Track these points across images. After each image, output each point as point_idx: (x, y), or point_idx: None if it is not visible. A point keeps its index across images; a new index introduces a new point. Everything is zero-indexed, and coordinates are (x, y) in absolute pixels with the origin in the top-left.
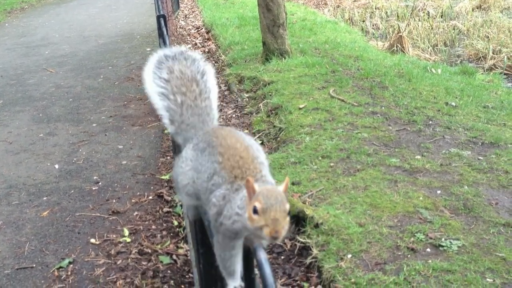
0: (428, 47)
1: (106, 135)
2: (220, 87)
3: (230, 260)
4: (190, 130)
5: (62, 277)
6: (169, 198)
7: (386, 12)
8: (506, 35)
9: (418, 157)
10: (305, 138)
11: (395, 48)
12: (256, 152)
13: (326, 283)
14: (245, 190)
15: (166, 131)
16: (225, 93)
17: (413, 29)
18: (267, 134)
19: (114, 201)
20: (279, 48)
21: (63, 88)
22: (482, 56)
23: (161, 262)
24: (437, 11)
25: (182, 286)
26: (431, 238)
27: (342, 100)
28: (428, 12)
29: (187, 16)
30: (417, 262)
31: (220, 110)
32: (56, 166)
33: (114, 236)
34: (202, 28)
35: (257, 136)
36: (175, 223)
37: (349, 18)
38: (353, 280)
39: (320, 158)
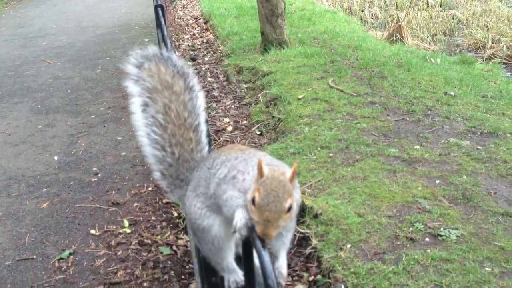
0: (427, 37)
1: (105, 126)
2: (218, 78)
3: (218, 255)
4: (184, 186)
5: (63, 268)
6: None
7: (385, 2)
8: (505, 24)
9: (417, 147)
10: (304, 129)
11: (394, 37)
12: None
13: (325, 273)
14: (255, 159)
15: None
16: (224, 83)
17: (412, 18)
18: (266, 124)
19: (113, 192)
20: (277, 38)
21: (61, 79)
22: (481, 46)
23: (161, 252)
24: (436, 0)
25: (182, 277)
26: (430, 227)
27: (341, 90)
28: (427, 1)
29: (185, 6)
30: (416, 251)
31: (219, 101)
32: (55, 158)
33: (114, 227)
34: (200, 18)
35: (256, 126)
36: (175, 214)
37: (348, 8)
38: (352, 269)
39: (319, 148)
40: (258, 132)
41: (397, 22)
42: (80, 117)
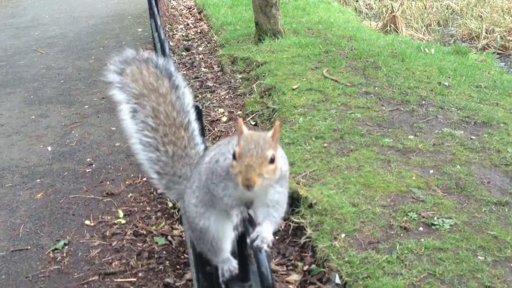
0: (422, 27)
1: (98, 116)
2: (213, 68)
3: (215, 253)
4: (183, 182)
5: (58, 259)
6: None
7: None
8: (499, 14)
9: (411, 137)
10: (299, 119)
11: (388, 28)
12: None
13: (320, 262)
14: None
15: None
16: (218, 74)
17: (407, 9)
18: (261, 115)
19: (108, 183)
20: (272, 29)
21: (54, 69)
22: (475, 36)
23: (156, 243)
24: None
25: (178, 267)
26: (423, 217)
27: (336, 81)
28: None
29: None
30: (409, 240)
31: (213, 92)
32: (49, 148)
33: (108, 217)
34: (194, 8)
35: (251, 117)
36: (170, 204)
37: None
38: (346, 259)
39: (313, 138)
40: (253, 123)
41: (391, 13)
42: (74, 108)
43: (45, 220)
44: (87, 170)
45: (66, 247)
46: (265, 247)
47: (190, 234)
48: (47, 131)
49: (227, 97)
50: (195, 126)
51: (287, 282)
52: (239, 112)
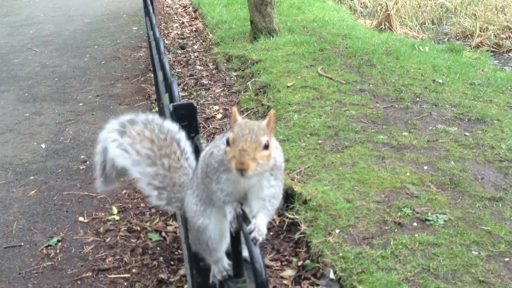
0: (416, 25)
1: (93, 114)
2: (208, 66)
3: (210, 254)
4: (183, 189)
5: (51, 255)
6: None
7: None
8: (493, 13)
9: (406, 133)
10: (293, 116)
11: (383, 26)
12: None
13: (314, 257)
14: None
15: (154, 110)
16: (213, 72)
17: (401, 7)
18: (256, 112)
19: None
20: (267, 27)
21: (48, 67)
22: (469, 34)
23: (150, 239)
24: None
25: (172, 263)
26: (417, 212)
27: (330, 78)
28: None
29: None
30: (404, 236)
31: (208, 89)
32: (43, 146)
33: (102, 214)
34: (189, 7)
35: (246, 114)
36: None
37: None
38: (341, 254)
39: (308, 135)
40: None
41: (386, 11)
42: (68, 105)
43: (39, 217)
44: (81, 167)
45: (60, 243)
46: (261, 239)
47: (183, 231)
48: (41, 129)
49: (222, 94)
50: (186, 143)
51: (281, 277)
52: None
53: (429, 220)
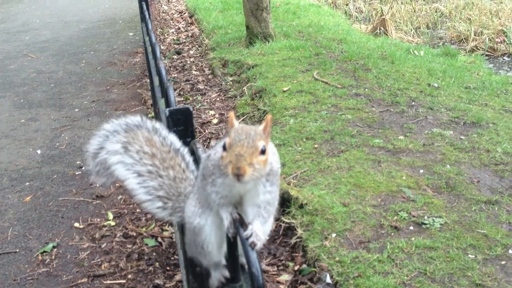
0: (411, 30)
1: (89, 120)
2: (204, 71)
3: (206, 258)
4: (187, 199)
5: (46, 261)
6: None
7: None
8: (488, 17)
9: (401, 137)
10: (289, 121)
11: (378, 31)
12: None
13: (310, 262)
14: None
15: (150, 115)
16: (209, 77)
17: (396, 12)
18: (252, 117)
19: (97, 185)
20: (262, 32)
21: (44, 73)
22: (464, 38)
23: (146, 244)
24: None
25: (168, 268)
26: (414, 216)
27: (326, 83)
28: None
29: (170, 0)
30: (400, 240)
31: (204, 94)
32: (38, 152)
33: (98, 220)
34: (185, 13)
35: (241, 119)
36: None
37: (332, 2)
38: (337, 258)
39: (304, 139)
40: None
41: (381, 16)
42: (64, 111)
43: (34, 223)
44: (77, 173)
45: (55, 249)
46: (259, 244)
47: (179, 236)
48: (36, 135)
49: (218, 99)
50: (188, 158)
51: (278, 282)
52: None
53: (425, 224)
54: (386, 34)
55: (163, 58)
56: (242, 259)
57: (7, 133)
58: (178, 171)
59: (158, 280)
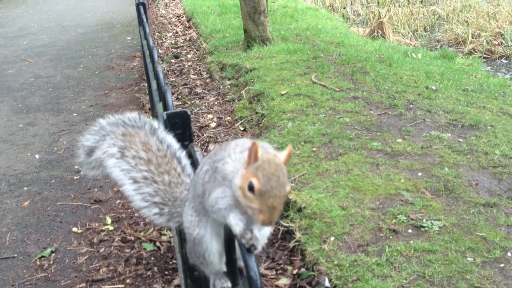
0: (408, 33)
1: (87, 124)
2: (201, 75)
3: (208, 267)
4: (184, 204)
5: (45, 266)
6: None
7: None
8: (485, 19)
9: (399, 140)
10: (288, 124)
11: (375, 34)
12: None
13: (309, 265)
14: (228, 150)
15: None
16: (207, 80)
17: (393, 15)
18: (250, 120)
19: (96, 190)
20: (260, 35)
21: (42, 78)
22: (462, 41)
23: (145, 249)
24: None
25: (166, 272)
26: (412, 219)
27: (324, 86)
28: None
29: (168, 4)
30: (399, 243)
31: (202, 98)
32: (37, 156)
33: (96, 224)
34: (183, 17)
35: (240, 122)
36: None
37: (330, 5)
38: (336, 262)
39: (302, 143)
40: (242, 128)
41: (378, 19)
42: (62, 116)
43: (32, 228)
44: (75, 178)
45: (53, 254)
46: (259, 247)
47: (178, 240)
48: (34, 139)
49: (216, 103)
50: (185, 161)
51: (277, 286)
52: (228, 118)
53: (424, 227)
54: (384, 37)
55: (161, 62)
56: (241, 263)
57: (5, 138)
58: (174, 175)
59: (156, 284)
